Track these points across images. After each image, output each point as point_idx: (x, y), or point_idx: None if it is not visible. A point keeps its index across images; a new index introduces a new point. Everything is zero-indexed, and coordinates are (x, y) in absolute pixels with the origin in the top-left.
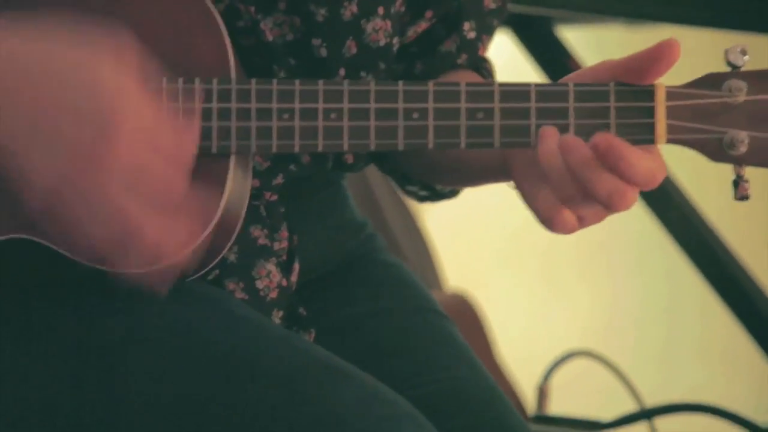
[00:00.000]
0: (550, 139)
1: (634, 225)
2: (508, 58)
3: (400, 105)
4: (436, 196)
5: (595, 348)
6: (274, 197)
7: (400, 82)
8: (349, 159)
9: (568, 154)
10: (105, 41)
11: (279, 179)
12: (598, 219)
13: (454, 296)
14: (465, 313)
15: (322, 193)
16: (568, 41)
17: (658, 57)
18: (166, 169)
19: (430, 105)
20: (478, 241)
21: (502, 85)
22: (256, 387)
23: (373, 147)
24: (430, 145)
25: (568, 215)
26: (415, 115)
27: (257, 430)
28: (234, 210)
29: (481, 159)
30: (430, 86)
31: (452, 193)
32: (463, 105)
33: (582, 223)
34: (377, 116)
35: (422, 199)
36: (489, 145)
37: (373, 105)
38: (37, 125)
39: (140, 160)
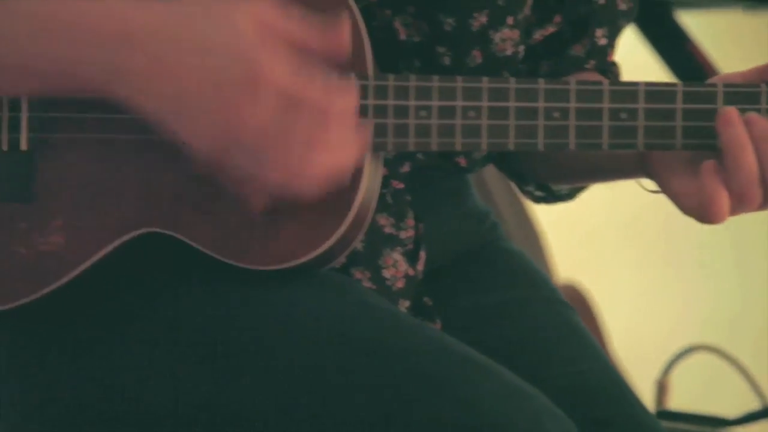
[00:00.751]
0: (733, 114)
1: (761, 213)
2: (625, 45)
3: (541, 104)
4: (552, 197)
5: (714, 342)
6: (401, 185)
7: (541, 80)
8: (462, 162)
9: (752, 125)
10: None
11: (406, 167)
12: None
13: (566, 287)
14: (577, 304)
15: (447, 181)
16: (687, 27)
17: None
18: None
19: (572, 104)
20: (590, 230)
21: (647, 84)
22: (395, 377)
23: (512, 147)
24: (571, 146)
25: (725, 202)
26: (556, 115)
27: (398, 420)
28: (367, 203)
29: (612, 157)
30: (572, 85)
31: (569, 195)
32: (606, 105)
33: (734, 212)
34: (517, 115)
35: (538, 200)
36: (632, 146)
37: (513, 103)
38: (185, 88)
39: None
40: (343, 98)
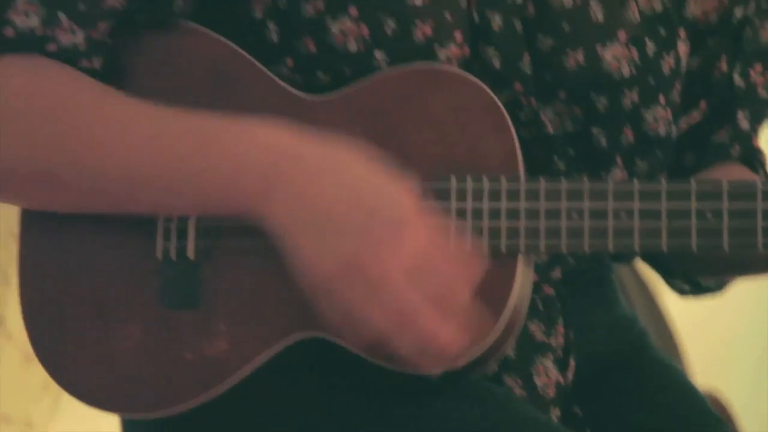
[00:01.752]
0: None
1: None
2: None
3: (693, 204)
4: (699, 290)
5: None
6: (551, 291)
7: (692, 181)
8: None
9: None
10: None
11: (557, 273)
12: None
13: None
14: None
15: (596, 287)
16: None
17: None
18: (452, 279)
19: (725, 204)
20: (729, 337)
21: None
22: None
23: (665, 248)
24: (725, 247)
25: None
26: (709, 216)
27: None
28: (519, 308)
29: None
30: (724, 185)
31: (717, 288)
32: (760, 204)
33: None
34: (669, 216)
35: (685, 293)
36: None
37: (664, 204)
38: (322, 228)
39: (426, 274)
40: (475, 273)
